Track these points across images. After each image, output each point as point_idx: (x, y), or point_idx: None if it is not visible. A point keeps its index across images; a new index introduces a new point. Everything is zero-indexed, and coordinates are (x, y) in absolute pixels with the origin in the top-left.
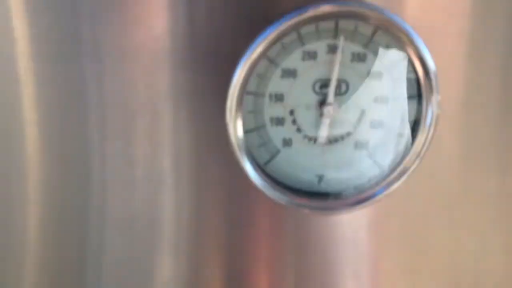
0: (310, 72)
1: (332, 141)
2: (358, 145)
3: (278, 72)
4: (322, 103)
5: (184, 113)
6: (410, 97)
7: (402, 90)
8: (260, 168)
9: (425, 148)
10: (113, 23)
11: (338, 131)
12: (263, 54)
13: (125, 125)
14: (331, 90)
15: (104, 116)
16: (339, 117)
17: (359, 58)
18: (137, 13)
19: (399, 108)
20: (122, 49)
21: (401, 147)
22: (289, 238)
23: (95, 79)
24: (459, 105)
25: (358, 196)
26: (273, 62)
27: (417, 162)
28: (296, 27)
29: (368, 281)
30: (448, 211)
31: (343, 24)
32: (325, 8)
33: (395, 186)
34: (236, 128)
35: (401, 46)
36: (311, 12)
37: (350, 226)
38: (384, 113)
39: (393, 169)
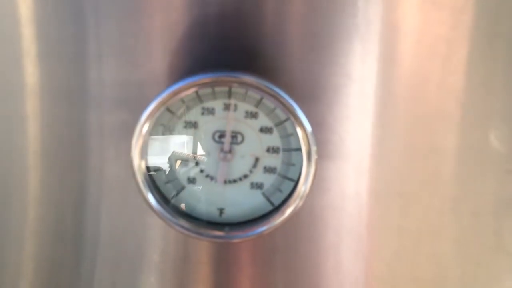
0: (209, 125)
1: (231, 181)
2: (253, 186)
3: (180, 123)
4: (224, 151)
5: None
6: (296, 150)
7: (289, 143)
8: (167, 202)
9: (307, 190)
10: None
11: (236, 174)
12: (164, 108)
13: None
14: (227, 140)
15: None
16: (237, 162)
17: (251, 115)
18: None
19: (288, 158)
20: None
21: (290, 189)
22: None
23: None
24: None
25: (252, 228)
26: (175, 115)
27: (301, 201)
28: (195, 89)
29: None
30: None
31: (236, 88)
32: (220, 78)
33: (283, 220)
34: (141, 169)
35: (284, 109)
36: (207, 79)
37: (247, 254)
38: (275, 160)
39: (282, 207)
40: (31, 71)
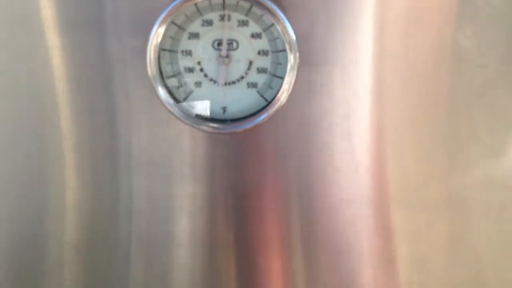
0: (209, 35)
1: (231, 82)
2: (249, 85)
3: (185, 35)
4: (223, 57)
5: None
6: (282, 51)
7: (276, 45)
8: (179, 104)
9: (291, 86)
10: None
11: (234, 76)
12: (170, 21)
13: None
14: (224, 47)
15: None
16: (234, 65)
17: (243, 23)
18: None
19: (276, 58)
20: None
21: (279, 85)
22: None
23: None
24: None
25: (250, 119)
26: (180, 27)
27: (287, 95)
28: (194, 1)
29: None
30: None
31: (228, 0)
32: None
33: (275, 111)
34: (157, 76)
35: (271, 16)
36: None
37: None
38: (266, 61)
39: (274, 101)
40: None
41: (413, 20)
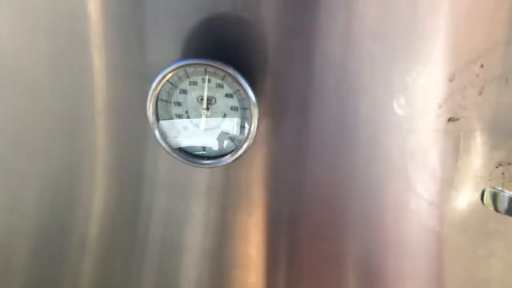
0: (195, 92)
1: (209, 129)
2: (223, 132)
3: (177, 91)
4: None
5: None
6: (247, 108)
7: (243, 104)
8: (169, 141)
9: (253, 133)
10: None
11: (212, 124)
12: (166, 80)
13: None
14: (204, 102)
15: None
16: (212, 116)
17: (219, 85)
18: None
19: (243, 113)
20: None
21: (246, 133)
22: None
23: None
24: None
25: (221, 159)
26: (173, 85)
27: (250, 141)
28: (184, 68)
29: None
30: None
31: (209, 68)
32: (197, 61)
33: (243, 153)
34: (154, 119)
35: (237, 84)
36: (190, 62)
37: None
38: (236, 115)
39: (240, 146)
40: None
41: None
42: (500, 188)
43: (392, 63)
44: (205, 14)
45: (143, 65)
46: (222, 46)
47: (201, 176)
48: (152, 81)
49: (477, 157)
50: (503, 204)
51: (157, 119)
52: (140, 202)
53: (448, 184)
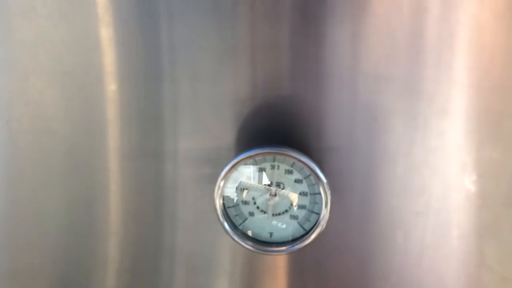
0: (262, 179)
1: (277, 214)
2: (291, 217)
3: (244, 177)
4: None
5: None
6: (318, 193)
7: (314, 189)
8: (236, 228)
9: (324, 221)
10: None
11: (280, 209)
12: (235, 168)
13: None
14: (273, 188)
15: None
16: (280, 201)
17: (288, 172)
18: None
19: (314, 199)
20: None
21: (316, 219)
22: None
23: None
24: None
25: (292, 245)
26: (240, 172)
27: (322, 227)
28: (252, 157)
29: None
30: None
31: (278, 156)
32: (268, 150)
33: (312, 240)
34: (221, 206)
35: (307, 168)
36: (259, 151)
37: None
38: (305, 200)
39: (311, 231)
40: None
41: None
42: None
43: (465, 141)
44: (261, 98)
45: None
46: (279, 131)
47: (224, 253)
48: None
49: None
50: None
51: (224, 207)
52: (159, 280)
53: None
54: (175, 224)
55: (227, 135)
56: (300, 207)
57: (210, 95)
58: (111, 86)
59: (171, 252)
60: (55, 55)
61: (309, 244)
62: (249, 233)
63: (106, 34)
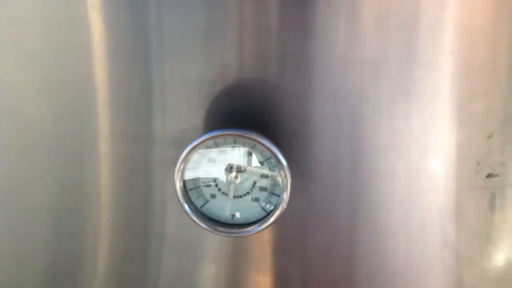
0: (223, 161)
1: (238, 196)
2: (253, 199)
3: (205, 159)
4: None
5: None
6: (277, 176)
7: (274, 171)
8: (197, 210)
9: (285, 203)
10: None
11: (241, 191)
12: (195, 150)
13: None
14: (234, 170)
15: None
16: (242, 183)
17: (249, 154)
18: None
19: (274, 180)
20: None
21: (276, 201)
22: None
23: None
24: None
25: (252, 226)
26: (202, 154)
27: (282, 209)
28: (213, 139)
29: None
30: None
31: (239, 138)
32: (228, 132)
33: (273, 221)
34: (181, 188)
35: (267, 151)
36: (219, 133)
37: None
38: (266, 182)
39: (271, 213)
40: None
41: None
42: None
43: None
44: (223, 81)
45: (162, 131)
46: (245, 112)
47: (211, 238)
48: (171, 148)
49: None
50: None
51: (185, 189)
52: (148, 264)
53: (486, 240)
54: (165, 209)
55: (204, 115)
56: (261, 189)
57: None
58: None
59: (160, 237)
60: (42, 35)
61: (269, 226)
62: (210, 214)
63: (94, 16)
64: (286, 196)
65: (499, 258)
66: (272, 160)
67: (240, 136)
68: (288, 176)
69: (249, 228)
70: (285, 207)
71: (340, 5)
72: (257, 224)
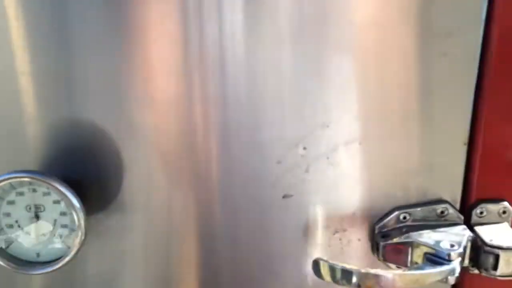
0: (22, 202)
1: (42, 235)
2: (57, 236)
3: (5, 202)
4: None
5: None
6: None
7: (70, 210)
8: (2, 251)
9: (81, 238)
10: None
11: (44, 230)
12: None
13: None
14: (32, 210)
15: None
16: (43, 222)
17: (47, 194)
18: None
19: (71, 218)
20: None
21: (75, 237)
22: None
23: None
24: None
25: (54, 264)
26: (0, 198)
27: (80, 245)
28: (8, 181)
29: None
30: None
31: (35, 181)
32: (20, 175)
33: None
34: None
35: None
36: (13, 176)
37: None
38: (66, 220)
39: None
40: None
41: None
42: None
43: None
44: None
45: None
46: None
47: None
48: None
49: None
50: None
51: None
52: None
53: None
54: None
55: None
56: (62, 226)
57: None
58: None
59: None
60: None
61: (71, 260)
62: (15, 255)
63: None
64: (80, 235)
65: None
66: (65, 200)
67: (33, 178)
68: (81, 215)
69: (51, 266)
70: (82, 242)
71: None
72: (61, 260)
